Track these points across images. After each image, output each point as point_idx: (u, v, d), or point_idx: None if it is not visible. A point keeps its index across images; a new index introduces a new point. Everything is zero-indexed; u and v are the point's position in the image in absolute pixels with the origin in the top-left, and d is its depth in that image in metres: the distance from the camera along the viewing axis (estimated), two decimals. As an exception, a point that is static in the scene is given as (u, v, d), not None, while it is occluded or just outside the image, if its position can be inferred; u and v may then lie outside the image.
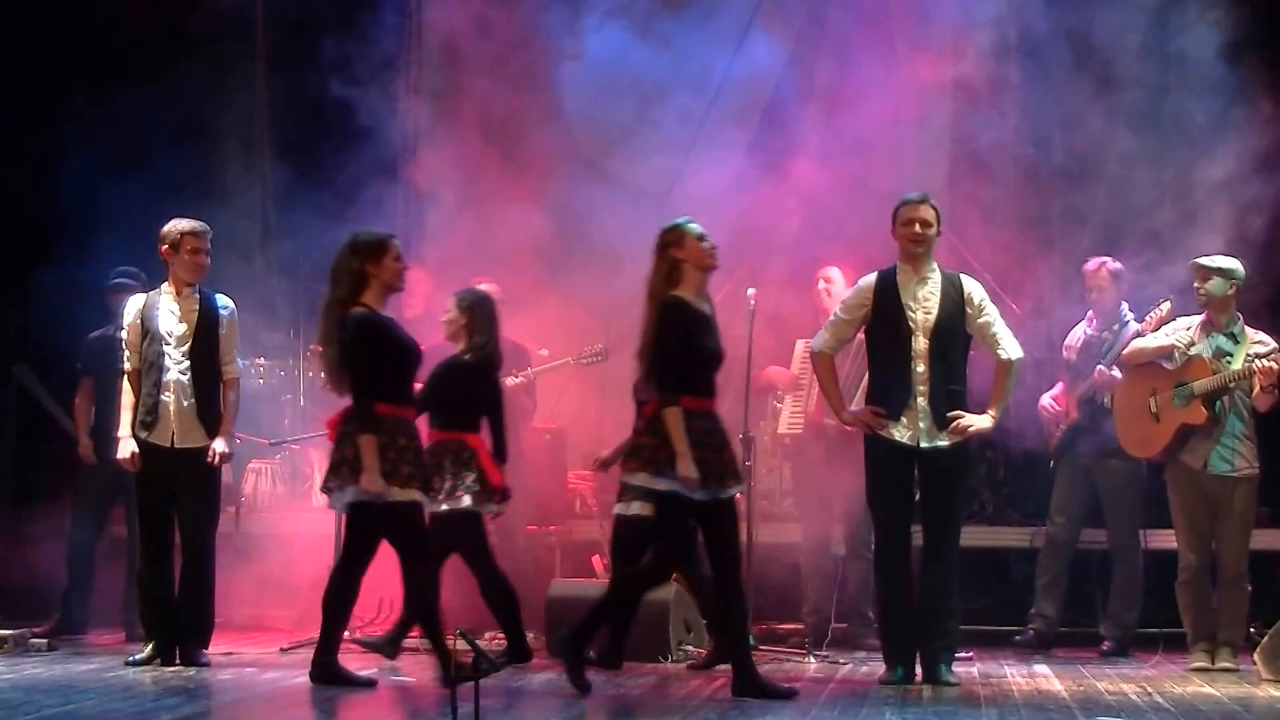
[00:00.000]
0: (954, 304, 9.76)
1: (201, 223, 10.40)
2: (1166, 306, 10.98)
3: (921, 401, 9.70)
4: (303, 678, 9.69)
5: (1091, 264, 11.53)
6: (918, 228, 9.79)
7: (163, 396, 10.23)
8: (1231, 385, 10.53)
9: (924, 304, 9.75)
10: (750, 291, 11.27)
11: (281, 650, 10.85)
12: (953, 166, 13.52)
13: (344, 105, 13.21)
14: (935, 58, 13.24)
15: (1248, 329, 10.72)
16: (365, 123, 13.36)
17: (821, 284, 11.43)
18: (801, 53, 13.91)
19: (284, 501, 13.06)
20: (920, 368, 9.71)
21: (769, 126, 13.75)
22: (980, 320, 9.80)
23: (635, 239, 12.81)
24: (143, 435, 10.24)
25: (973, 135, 13.15)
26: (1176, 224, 11.97)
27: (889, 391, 9.78)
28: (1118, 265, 11.48)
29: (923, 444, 9.71)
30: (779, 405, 11.83)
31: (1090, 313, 11.54)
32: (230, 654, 10.65)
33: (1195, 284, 10.67)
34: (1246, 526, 10.66)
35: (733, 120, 13.75)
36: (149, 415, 10.23)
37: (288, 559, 11.82)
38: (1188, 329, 10.77)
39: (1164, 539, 11.21)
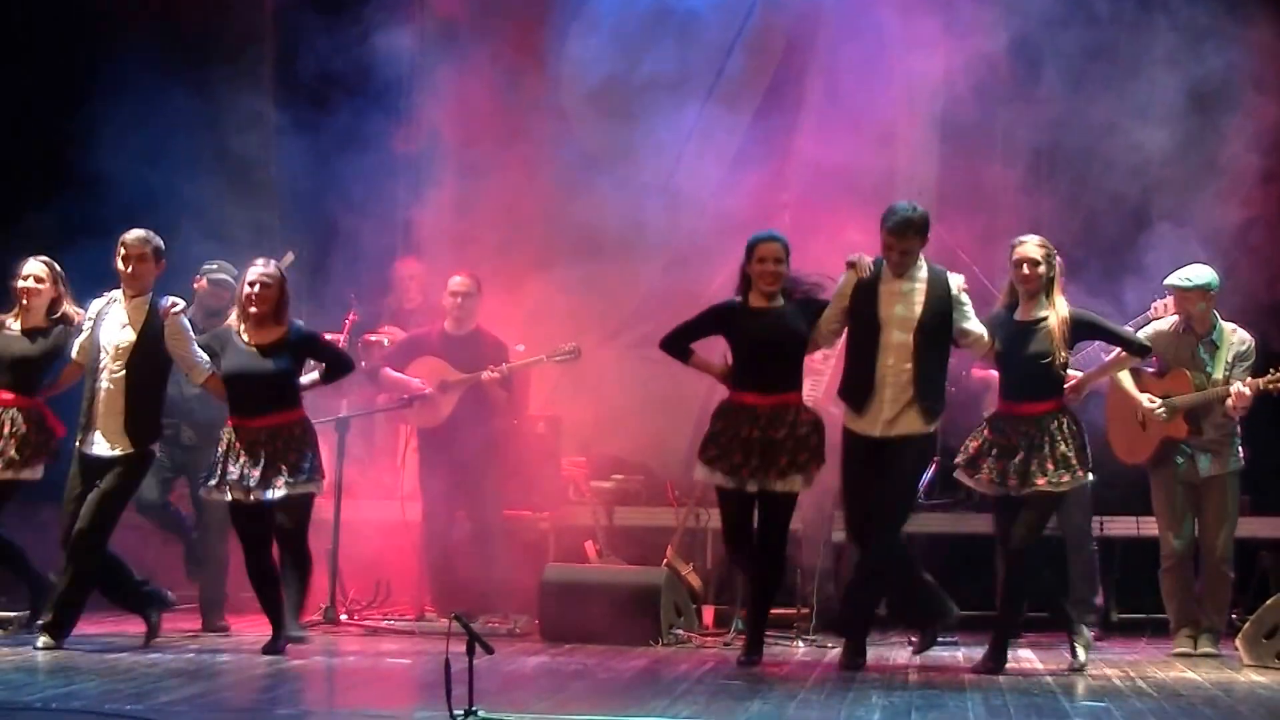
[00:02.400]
0: (940, 300, 9.84)
1: (142, 232, 10.38)
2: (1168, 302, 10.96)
3: (890, 393, 9.82)
4: (300, 660, 9.82)
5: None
6: (897, 255, 9.83)
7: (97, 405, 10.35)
8: (1214, 400, 10.66)
9: (906, 299, 9.84)
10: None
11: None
12: (943, 159, 13.59)
13: (349, 69, 13.31)
14: (927, 48, 13.31)
15: (1225, 326, 10.79)
16: (367, 89, 13.44)
17: None
18: (794, 50, 14.00)
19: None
20: (893, 360, 9.81)
21: (761, 123, 13.82)
22: (958, 312, 9.91)
23: (630, 231, 13.00)
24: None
25: (964, 126, 13.23)
26: (1171, 215, 12.03)
27: (861, 382, 9.92)
28: None
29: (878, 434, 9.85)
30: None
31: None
32: (229, 635, 10.77)
33: (1175, 308, 10.77)
34: (1230, 515, 10.76)
35: (725, 117, 13.82)
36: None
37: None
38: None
39: (1148, 527, 11.28)
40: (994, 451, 9.73)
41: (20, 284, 10.51)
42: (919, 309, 9.80)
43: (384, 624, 11.52)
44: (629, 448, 13.30)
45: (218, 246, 11.63)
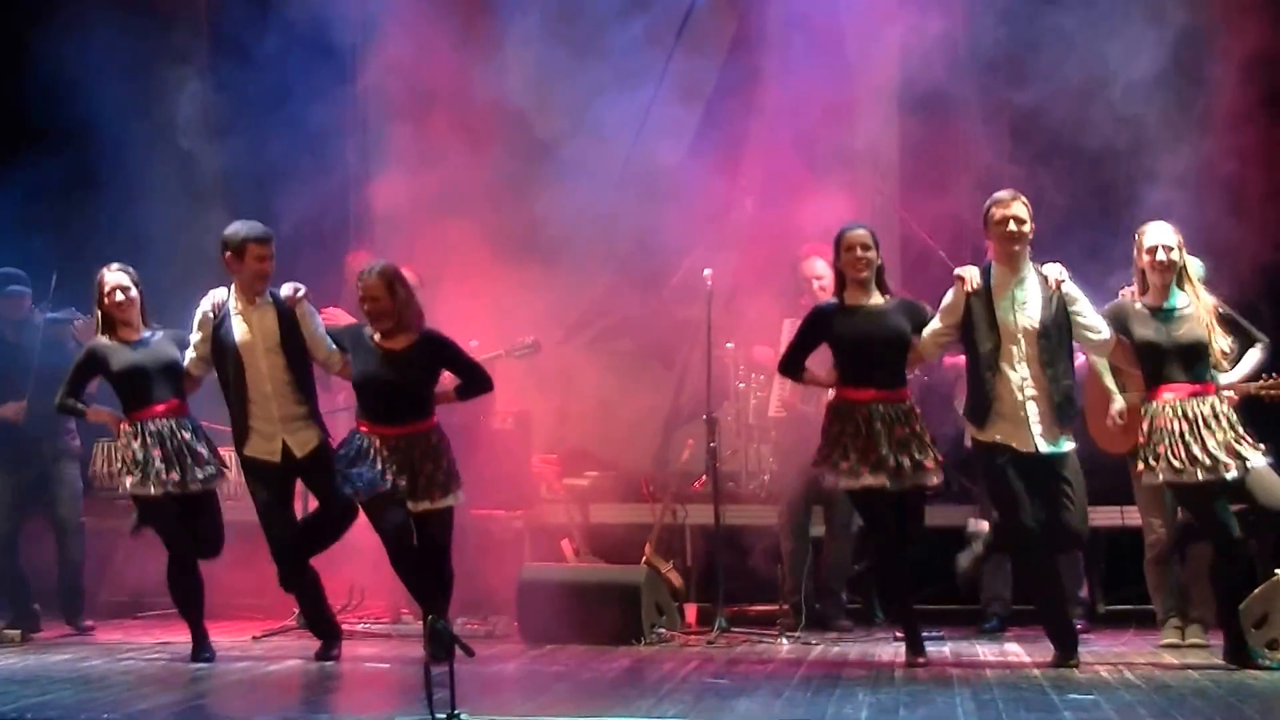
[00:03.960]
0: (1054, 299, 9.60)
1: (265, 229, 10.18)
2: None
3: (1032, 406, 9.64)
4: (276, 666, 9.69)
5: None
6: (1012, 225, 9.61)
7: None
8: None
9: (1023, 306, 9.60)
10: (706, 272, 11.24)
11: (254, 638, 10.85)
12: (904, 134, 13.51)
13: (294, 54, 13.08)
14: (884, 15, 13.22)
15: None
16: (314, 84, 13.32)
17: (815, 284, 11.34)
18: (748, 27, 13.90)
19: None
20: (1026, 371, 9.60)
21: (717, 105, 13.71)
22: (1073, 309, 9.69)
23: (587, 222, 12.90)
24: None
25: (924, 93, 13.12)
26: (1142, 185, 11.94)
27: (990, 397, 9.69)
28: None
29: (1043, 449, 9.65)
30: (749, 386, 11.91)
31: None
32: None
33: None
34: (1215, 504, 10.69)
35: (680, 101, 13.71)
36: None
37: (259, 549, 11.73)
38: None
39: (1131, 517, 11.15)
40: (1168, 439, 9.49)
41: (109, 301, 10.19)
42: (1040, 312, 9.60)
43: (360, 628, 11.38)
44: (599, 443, 13.22)
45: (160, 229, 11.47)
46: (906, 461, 9.69)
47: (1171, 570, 10.71)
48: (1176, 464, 9.44)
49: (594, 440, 13.20)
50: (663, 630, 10.83)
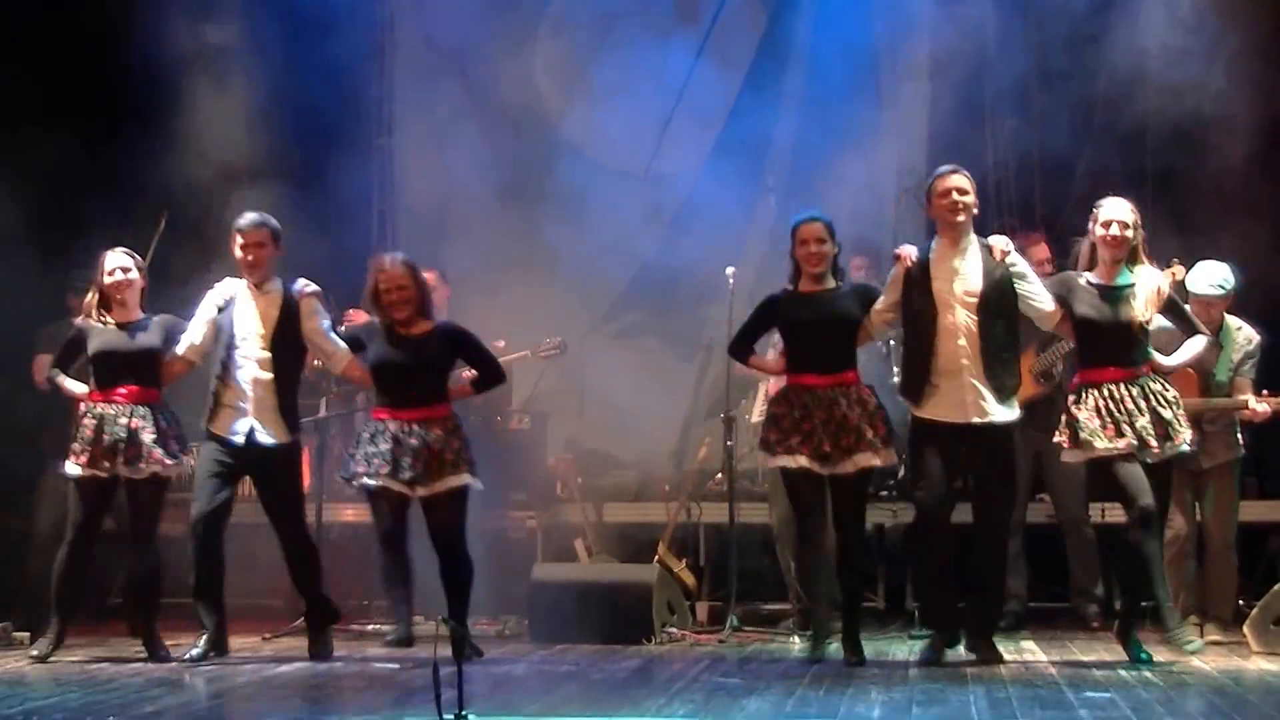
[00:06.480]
0: (997, 269, 9.52)
1: (256, 216, 10.15)
2: (1179, 271, 10.41)
3: (966, 377, 9.51)
4: (285, 667, 9.63)
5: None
6: (955, 196, 9.55)
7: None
8: (1225, 410, 10.47)
9: (963, 276, 9.51)
10: (729, 270, 11.20)
11: (264, 639, 10.83)
12: (931, 143, 13.46)
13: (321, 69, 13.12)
14: (913, 28, 13.20)
15: (1230, 323, 10.55)
16: (341, 83, 13.31)
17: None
18: (777, 25, 13.88)
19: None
20: (962, 342, 9.51)
21: (744, 105, 13.69)
22: (1018, 282, 9.59)
23: (611, 220, 12.84)
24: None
25: (950, 109, 13.09)
26: (1186, 168, 11.85)
27: (926, 369, 9.59)
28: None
29: (975, 421, 9.53)
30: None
31: None
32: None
33: (1198, 312, 10.29)
34: (1232, 502, 10.62)
35: (707, 99, 13.70)
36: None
37: (268, 549, 11.69)
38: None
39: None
40: (1117, 414, 9.38)
41: (108, 280, 10.18)
42: (978, 282, 9.50)
43: (369, 629, 11.32)
44: (617, 442, 13.17)
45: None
46: (843, 441, 9.59)
47: (1190, 568, 10.63)
48: (1101, 442, 9.36)
49: (611, 438, 13.18)
50: (674, 629, 10.75)
